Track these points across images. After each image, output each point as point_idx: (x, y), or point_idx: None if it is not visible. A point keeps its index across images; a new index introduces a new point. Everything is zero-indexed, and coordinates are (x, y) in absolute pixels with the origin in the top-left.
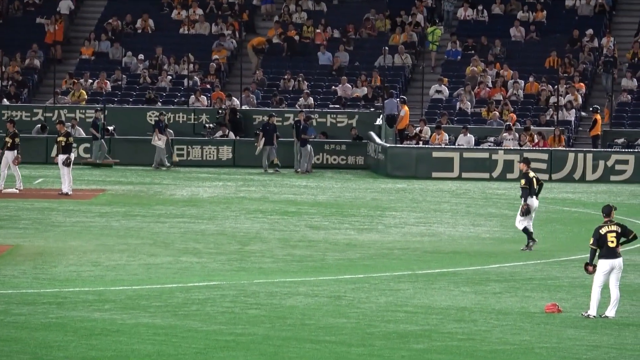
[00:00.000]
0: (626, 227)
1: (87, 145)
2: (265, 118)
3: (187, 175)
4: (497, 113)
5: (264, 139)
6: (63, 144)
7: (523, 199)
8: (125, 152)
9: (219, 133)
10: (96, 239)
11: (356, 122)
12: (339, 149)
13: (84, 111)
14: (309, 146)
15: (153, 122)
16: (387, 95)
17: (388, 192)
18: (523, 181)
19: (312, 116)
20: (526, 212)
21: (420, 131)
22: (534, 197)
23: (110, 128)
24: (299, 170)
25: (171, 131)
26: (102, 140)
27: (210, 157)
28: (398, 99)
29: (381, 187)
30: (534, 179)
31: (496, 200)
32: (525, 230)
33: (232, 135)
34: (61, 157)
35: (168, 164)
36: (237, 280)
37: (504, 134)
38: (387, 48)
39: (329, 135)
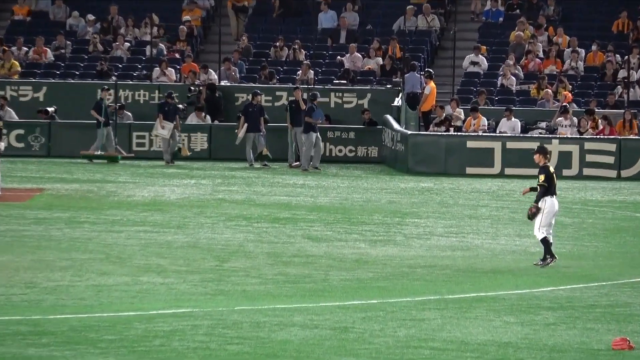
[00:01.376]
0: None
1: (21, 131)
2: (250, 97)
3: (150, 170)
4: (550, 91)
5: (247, 124)
6: None
7: (537, 198)
8: (70, 139)
9: (192, 117)
10: (31, 253)
11: (368, 102)
12: (346, 137)
13: (16, 87)
14: (314, 134)
15: (158, 104)
16: (409, 68)
17: (409, 193)
18: (542, 177)
19: (317, 94)
20: (533, 215)
21: (452, 115)
22: (554, 196)
23: (50, 109)
24: (295, 164)
25: (267, 117)
26: (109, 126)
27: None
28: (422, 73)
29: (400, 187)
30: (554, 175)
31: None
32: (545, 241)
33: (208, 120)
34: None
35: (169, 159)
36: (214, 307)
37: (559, 119)
38: (408, 7)
39: (333, 119)
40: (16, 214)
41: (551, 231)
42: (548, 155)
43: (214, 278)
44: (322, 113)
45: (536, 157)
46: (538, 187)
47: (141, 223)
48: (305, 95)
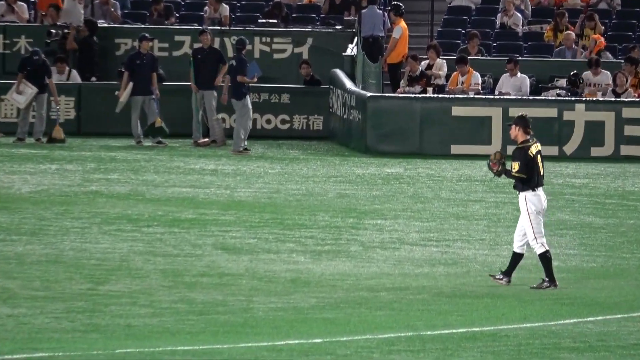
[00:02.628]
0: None
1: None
2: (136, 44)
3: None
4: (573, 34)
5: (132, 82)
6: None
7: (509, 175)
8: None
9: (53, 72)
10: None
11: (309, 51)
12: (277, 101)
13: None
14: (245, 99)
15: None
16: (367, 0)
17: (369, 183)
18: (516, 165)
19: (245, 40)
20: (498, 165)
21: (430, 67)
22: (538, 189)
23: None
24: (202, 141)
25: (162, 72)
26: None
27: (35, 117)
28: (387, 8)
29: (356, 174)
30: (539, 157)
31: (574, 196)
32: (545, 258)
33: (75, 77)
34: None
35: (141, 137)
36: (85, 350)
37: (587, 73)
38: None
39: (259, 76)
40: None
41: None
42: (530, 130)
43: (86, 307)
44: (257, 67)
45: (512, 130)
46: (515, 178)
47: None
48: (226, 43)
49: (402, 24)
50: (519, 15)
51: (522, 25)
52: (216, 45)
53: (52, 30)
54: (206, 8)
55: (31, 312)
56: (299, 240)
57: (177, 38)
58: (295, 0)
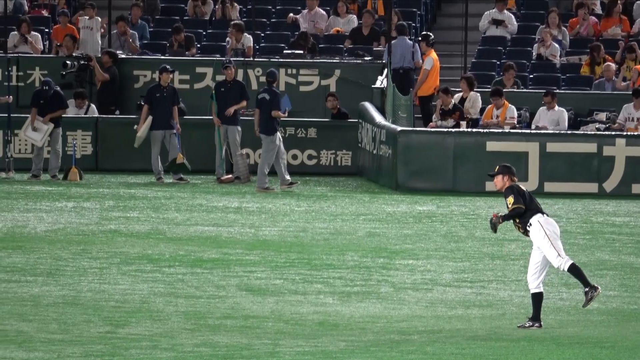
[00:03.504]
0: None
1: None
2: (156, 76)
3: (4, 189)
4: (613, 65)
5: (152, 116)
6: None
7: (508, 214)
8: None
9: (71, 106)
10: None
11: (336, 83)
12: (304, 136)
13: None
14: (275, 135)
15: (34, 93)
16: (397, 31)
17: (400, 221)
18: (511, 198)
19: (275, 72)
20: (494, 227)
21: (463, 100)
22: (546, 215)
23: None
24: (225, 177)
25: (182, 106)
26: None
27: (49, 152)
28: (416, 39)
29: (386, 212)
30: (528, 193)
31: (614, 235)
32: (537, 297)
33: (94, 111)
34: None
35: (162, 173)
36: None
37: (627, 106)
38: None
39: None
40: None
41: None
42: (515, 178)
43: (105, 351)
44: (288, 100)
45: (498, 180)
46: (510, 210)
47: None
48: (250, 75)
49: (434, 54)
50: (557, 45)
51: (560, 57)
52: (239, 77)
53: (68, 62)
54: (228, 39)
55: (48, 356)
56: (327, 281)
57: (199, 70)
58: (322, 31)
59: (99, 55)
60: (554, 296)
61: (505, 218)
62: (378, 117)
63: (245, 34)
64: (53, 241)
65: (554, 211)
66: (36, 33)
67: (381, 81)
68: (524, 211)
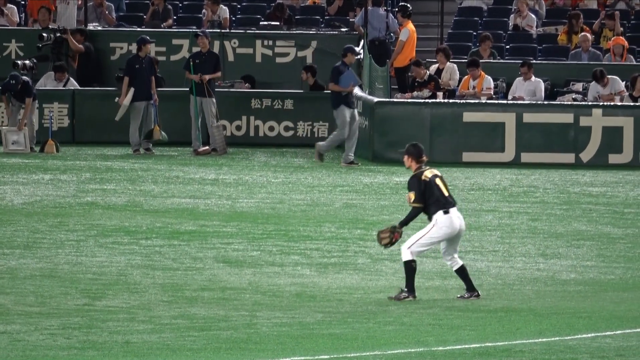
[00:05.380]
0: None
1: None
2: (134, 48)
3: None
4: (589, 35)
5: (133, 88)
6: None
7: (405, 218)
8: None
9: (48, 79)
10: None
11: (313, 55)
12: (280, 107)
13: None
14: (339, 109)
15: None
16: (372, 0)
17: (377, 192)
18: (412, 195)
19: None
20: (389, 243)
21: (439, 71)
22: (451, 211)
23: None
24: (202, 149)
25: (160, 76)
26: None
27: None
28: (393, 10)
29: (363, 183)
30: (438, 180)
31: (591, 205)
32: (410, 266)
33: (73, 84)
34: None
35: (144, 146)
36: None
37: (594, 85)
38: None
39: (260, 81)
40: None
41: (455, 255)
42: (422, 158)
43: (82, 323)
44: (354, 75)
45: (405, 160)
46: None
47: None
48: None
49: (410, 26)
50: (533, 16)
51: (536, 27)
52: (215, 49)
53: (44, 34)
54: (204, 10)
55: (25, 328)
56: (304, 252)
57: (175, 42)
58: (298, 2)
59: (74, 28)
60: (530, 267)
61: (403, 223)
62: (355, 90)
63: (222, 5)
64: (30, 214)
65: (530, 182)
66: (12, 5)
67: (357, 52)
68: (421, 209)
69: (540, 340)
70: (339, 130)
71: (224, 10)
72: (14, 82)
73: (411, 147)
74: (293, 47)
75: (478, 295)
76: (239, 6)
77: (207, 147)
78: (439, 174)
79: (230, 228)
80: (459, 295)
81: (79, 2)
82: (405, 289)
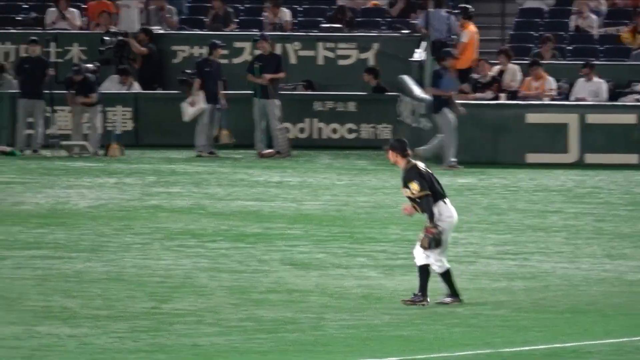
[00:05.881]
0: None
1: None
2: (204, 52)
3: (46, 165)
4: None
5: (202, 91)
6: None
7: (427, 215)
8: None
9: (112, 82)
10: None
11: (375, 56)
12: (343, 110)
13: None
14: (442, 112)
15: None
16: (434, 2)
17: None
18: (416, 185)
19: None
20: (435, 242)
21: (501, 73)
22: (446, 202)
23: None
24: (266, 152)
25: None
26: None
27: (89, 129)
28: (455, 11)
29: None
30: (430, 174)
31: None
32: (424, 271)
33: (136, 87)
34: None
35: (208, 150)
36: None
37: None
38: None
39: (324, 83)
40: None
41: (444, 256)
42: (407, 153)
43: (150, 326)
44: (453, 80)
45: (390, 155)
46: (418, 200)
47: (36, 245)
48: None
49: (471, 27)
50: (594, 17)
51: (597, 27)
52: (277, 52)
53: (106, 38)
54: (265, 13)
55: (93, 332)
56: (370, 254)
57: (237, 44)
58: (359, 4)
59: (136, 31)
60: (597, 268)
61: (432, 219)
62: (417, 91)
63: (283, 8)
64: (95, 217)
65: (594, 182)
66: (74, 9)
67: (419, 54)
68: (431, 196)
69: (608, 341)
70: (446, 134)
71: (285, 13)
72: (76, 69)
73: (395, 142)
74: (355, 50)
75: (460, 301)
76: (300, 9)
77: (271, 150)
78: (425, 166)
79: (296, 230)
80: (438, 301)
81: (141, 6)
82: (420, 293)
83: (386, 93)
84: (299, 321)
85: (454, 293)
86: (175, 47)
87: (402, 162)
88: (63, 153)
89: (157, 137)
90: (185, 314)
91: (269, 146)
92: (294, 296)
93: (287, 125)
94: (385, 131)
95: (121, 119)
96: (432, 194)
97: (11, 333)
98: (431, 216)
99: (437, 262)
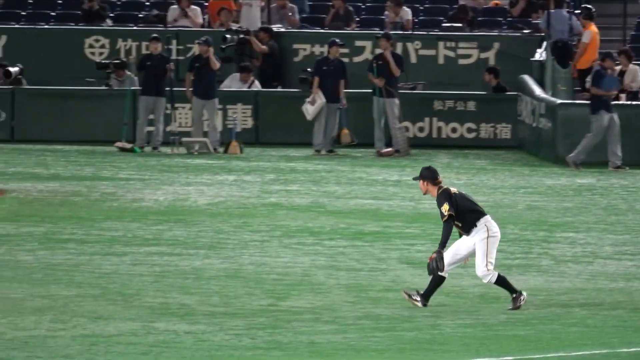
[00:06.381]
0: None
1: None
2: (324, 50)
3: (166, 162)
4: None
5: (320, 90)
6: None
7: (442, 238)
8: (44, 115)
9: (233, 80)
10: None
11: (495, 56)
12: (463, 109)
13: None
14: (598, 114)
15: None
16: (555, 3)
17: (560, 194)
18: (446, 206)
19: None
20: (435, 268)
21: (622, 73)
22: (487, 216)
23: (14, 70)
24: (385, 150)
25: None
26: (162, 97)
27: (209, 126)
28: (576, 12)
29: (546, 185)
30: (464, 196)
31: None
32: (502, 280)
33: (257, 87)
34: None
35: (327, 148)
36: None
37: None
38: None
39: (444, 83)
40: None
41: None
42: (438, 179)
43: (267, 324)
44: (615, 79)
45: (421, 186)
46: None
47: (154, 241)
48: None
49: (593, 27)
50: None
51: None
52: (398, 51)
53: (228, 36)
54: (387, 12)
55: (210, 328)
56: None
57: (358, 43)
58: (481, 3)
59: (257, 29)
60: None
61: (442, 245)
62: (537, 90)
63: (404, 7)
64: (214, 214)
65: None
66: (195, 7)
67: (540, 54)
68: (453, 223)
69: None
70: (593, 135)
71: (407, 12)
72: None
73: (425, 170)
74: (475, 49)
75: (522, 295)
76: (421, 8)
77: (390, 149)
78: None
79: (414, 229)
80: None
81: (262, 4)
82: (514, 294)
83: (506, 93)
84: (416, 320)
85: (512, 291)
86: (296, 46)
87: (433, 191)
88: (183, 150)
89: (277, 135)
90: (302, 312)
91: (388, 145)
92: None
93: (407, 124)
94: (504, 131)
95: (241, 116)
96: (466, 214)
97: (129, 329)
98: (443, 241)
99: (487, 270)
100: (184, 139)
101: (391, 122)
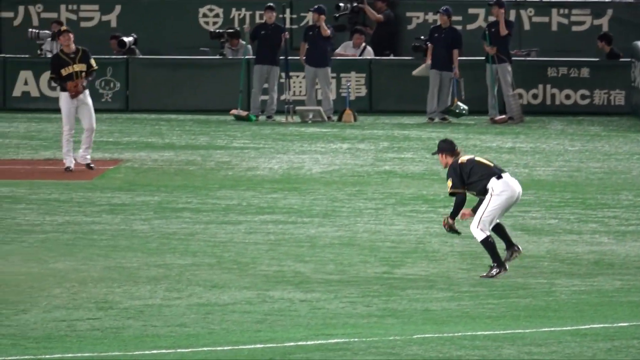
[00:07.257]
0: None
1: None
2: (430, 17)
3: (280, 131)
4: None
5: (431, 58)
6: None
7: (453, 209)
8: (159, 85)
9: (347, 47)
10: (104, 257)
11: (609, 23)
12: (576, 76)
13: (75, 7)
14: None
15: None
16: None
17: None
18: (449, 182)
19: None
20: (450, 228)
21: None
22: (505, 174)
23: (128, 40)
24: (499, 118)
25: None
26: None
27: (320, 95)
28: None
29: None
30: (477, 158)
31: None
32: (488, 243)
33: (370, 53)
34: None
35: (440, 116)
36: (382, 336)
37: None
38: None
39: (558, 49)
40: (80, 198)
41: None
42: (457, 150)
43: (382, 292)
44: None
45: (441, 159)
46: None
47: (269, 210)
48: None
49: None
50: None
51: None
52: (512, 17)
53: (341, 4)
54: None
55: (325, 296)
56: (602, 220)
57: (471, 11)
58: None
59: None
60: None
61: (454, 214)
62: None
63: None
64: (328, 182)
65: None
66: None
67: None
68: (464, 194)
69: None
70: None
71: None
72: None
73: (442, 143)
74: (589, 16)
75: (504, 269)
76: None
77: (504, 116)
78: (472, 156)
79: (528, 196)
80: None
81: None
82: (494, 264)
83: (620, 59)
84: (531, 286)
85: (495, 260)
86: (409, 14)
87: (452, 162)
88: (297, 119)
89: (390, 103)
90: (417, 279)
91: (502, 112)
92: (525, 262)
93: (520, 91)
94: (618, 97)
95: (355, 84)
96: (476, 183)
97: (244, 298)
98: (453, 213)
99: (477, 229)
100: (298, 108)
101: (505, 90)
